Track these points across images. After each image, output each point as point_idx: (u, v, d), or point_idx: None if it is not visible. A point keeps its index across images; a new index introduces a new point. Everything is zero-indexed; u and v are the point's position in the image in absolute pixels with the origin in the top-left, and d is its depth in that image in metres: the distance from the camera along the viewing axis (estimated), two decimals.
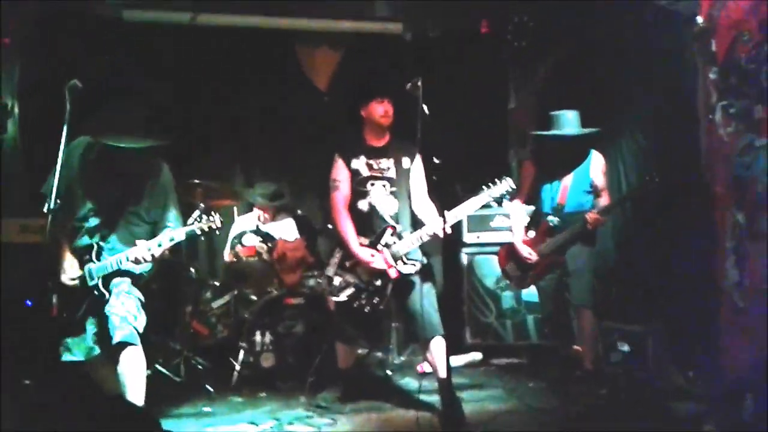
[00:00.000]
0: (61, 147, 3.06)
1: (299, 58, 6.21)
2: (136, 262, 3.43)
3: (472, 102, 6.26)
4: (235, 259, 5.05)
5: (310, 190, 6.12)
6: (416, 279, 3.92)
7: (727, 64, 4.22)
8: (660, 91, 4.92)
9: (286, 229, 5.42)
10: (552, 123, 4.49)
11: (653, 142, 5.02)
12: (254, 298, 5.10)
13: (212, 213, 3.50)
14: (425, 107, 3.58)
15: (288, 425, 3.77)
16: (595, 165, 4.54)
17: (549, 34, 5.91)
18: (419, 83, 3.60)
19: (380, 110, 4.01)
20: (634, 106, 5.22)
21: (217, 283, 5.32)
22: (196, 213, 3.55)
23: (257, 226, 5.20)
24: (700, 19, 4.40)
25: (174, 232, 3.49)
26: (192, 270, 5.28)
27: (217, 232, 3.55)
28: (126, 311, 3.46)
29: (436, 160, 3.43)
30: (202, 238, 3.55)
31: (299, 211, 5.72)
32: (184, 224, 3.56)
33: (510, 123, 6.58)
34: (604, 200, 4.48)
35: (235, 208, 5.75)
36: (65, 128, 3.07)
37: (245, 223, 5.45)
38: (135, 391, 3.44)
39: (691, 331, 4.40)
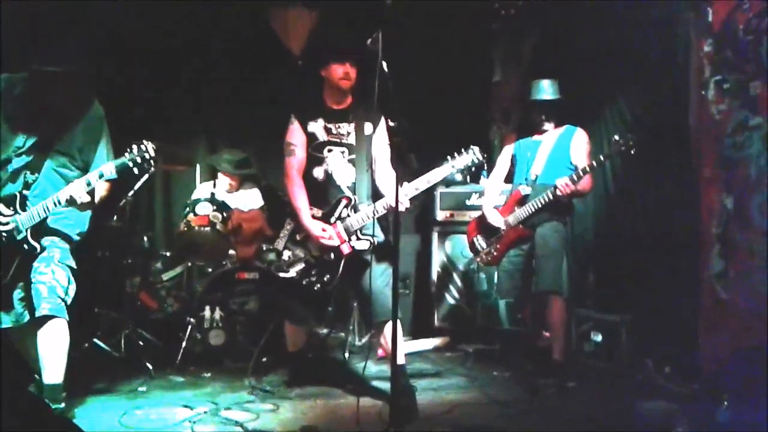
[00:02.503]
0: None
1: (272, 19, 5.84)
2: (72, 202, 3.10)
3: (455, 72, 5.90)
4: (186, 229, 4.70)
5: (279, 160, 5.75)
6: (371, 256, 3.59)
7: (723, 34, 3.91)
8: (649, 64, 4.56)
9: (243, 199, 5.07)
10: (530, 90, 4.36)
11: (639, 119, 4.66)
12: (210, 270, 4.80)
13: (144, 142, 3.15)
14: (384, 64, 3.21)
15: (225, 410, 3.45)
16: (577, 143, 4.27)
17: (538, 3, 5.53)
18: (379, 37, 3.24)
19: (340, 72, 3.68)
20: (621, 81, 4.86)
21: (168, 254, 4.99)
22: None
23: (212, 194, 4.85)
24: None
25: (103, 167, 3.16)
26: (144, 238, 4.96)
27: (152, 162, 3.19)
28: (54, 280, 3.16)
29: (391, 123, 3.09)
30: (136, 171, 3.19)
31: (265, 182, 5.38)
32: None
33: (493, 97, 6.22)
34: (585, 181, 4.13)
35: (197, 174, 5.40)
36: None
37: (201, 190, 5.10)
38: (55, 367, 3.16)
39: (670, 324, 4.10)
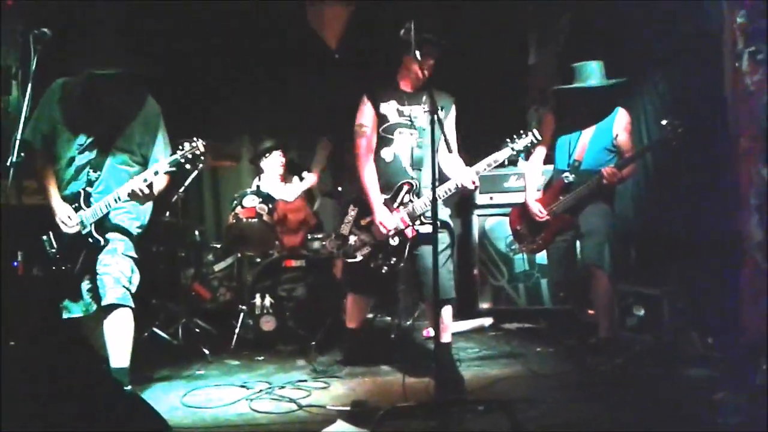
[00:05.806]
0: (27, 94, 2.93)
1: (308, 14, 5.99)
2: (133, 196, 3.31)
3: (490, 57, 5.95)
4: (234, 221, 4.90)
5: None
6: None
7: (756, 5, 3.89)
8: (682, 37, 4.56)
9: (286, 190, 5.25)
10: (575, 75, 4.20)
11: (675, 92, 4.67)
12: (259, 260, 4.99)
13: (194, 138, 3.32)
14: (418, 54, 3.33)
15: (279, 389, 3.63)
16: (620, 122, 4.21)
17: None
18: (412, 28, 3.34)
19: (426, 63, 3.63)
20: (655, 56, 4.87)
21: (219, 246, 5.20)
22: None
23: (257, 187, 5.04)
24: None
25: (157, 165, 3.36)
26: (196, 232, 5.19)
27: (202, 158, 3.36)
28: (119, 271, 3.37)
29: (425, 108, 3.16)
30: (188, 167, 3.37)
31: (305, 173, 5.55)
32: None
33: (530, 80, 6.27)
34: (628, 167, 4.12)
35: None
36: (32, 76, 2.92)
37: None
38: (121, 352, 3.36)
39: (712, 295, 4.12)
